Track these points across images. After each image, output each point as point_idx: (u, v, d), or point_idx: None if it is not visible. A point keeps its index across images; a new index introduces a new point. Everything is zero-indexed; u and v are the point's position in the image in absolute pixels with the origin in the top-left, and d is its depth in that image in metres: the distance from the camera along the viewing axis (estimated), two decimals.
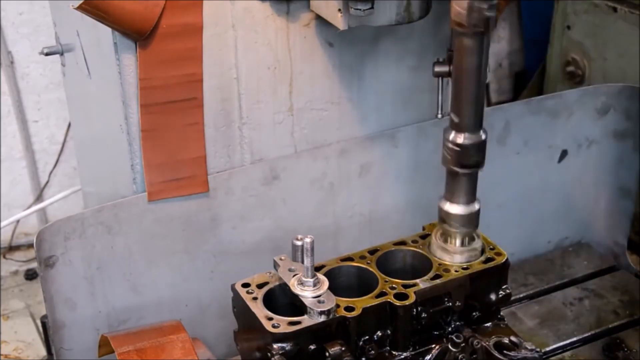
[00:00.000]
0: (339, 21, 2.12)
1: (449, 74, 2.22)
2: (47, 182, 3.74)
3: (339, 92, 2.43)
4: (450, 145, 2.07)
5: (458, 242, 2.16)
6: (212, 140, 2.32)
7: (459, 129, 2.06)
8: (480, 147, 2.08)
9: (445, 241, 2.17)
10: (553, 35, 3.60)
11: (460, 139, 2.06)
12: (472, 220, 2.16)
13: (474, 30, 1.92)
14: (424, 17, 2.18)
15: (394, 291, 2.05)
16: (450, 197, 2.15)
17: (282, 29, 2.28)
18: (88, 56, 2.42)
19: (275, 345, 1.91)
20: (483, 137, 2.08)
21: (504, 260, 2.17)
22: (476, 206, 2.16)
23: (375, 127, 2.53)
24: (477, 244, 2.17)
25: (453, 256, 2.15)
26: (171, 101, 2.21)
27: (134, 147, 2.26)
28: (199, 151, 2.30)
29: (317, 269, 2.07)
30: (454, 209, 2.14)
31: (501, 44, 4.21)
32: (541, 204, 2.90)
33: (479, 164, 2.10)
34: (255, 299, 2.02)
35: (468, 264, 2.15)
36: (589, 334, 2.62)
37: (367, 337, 2.03)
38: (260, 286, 2.05)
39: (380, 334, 2.05)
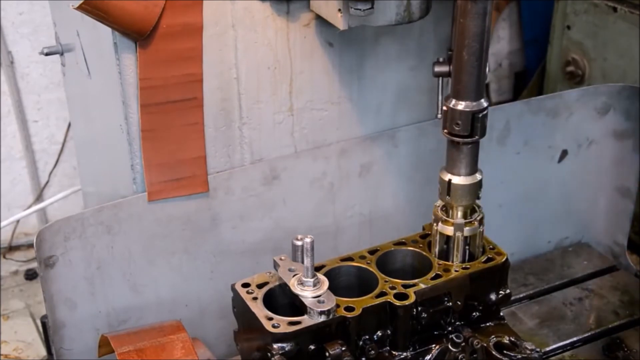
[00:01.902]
0: (339, 21, 2.12)
1: (449, 74, 2.22)
2: (47, 182, 3.74)
3: (339, 92, 2.43)
4: (451, 112, 2.02)
5: (460, 214, 2.14)
6: (212, 140, 2.32)
7: (460, 96, 2.01)
8: (483, 115, 2.03)
9: (447, 214, 2.15)
10: (553, 35, 3.60)
11: (462, 106, 2.02)
12: (474, 190, 2.13)
13: None
14: (424, 17, 2.18)
15: (394, 291, 2.05)
16: (451, 168, 2.11)
17: (282, 29, 2.28)
18: (88, 56, 2.42)
19: (275, 345, 1.91)
20: (485, 104, 2.03)
21: (504, 260, 2.17)
22: (478, 177, 2.13)
23: (375, 127, 2.53)
24: (478, 216, 2.16)
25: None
26: (171, 101, 2.21)
27: (134, 147, 2.26)
28: (199, 151, 2.30)
29: (317, 269, 2.07)
30: (456, 180, 2.11)
31: (501, 44, 4.21)
32: (541, 204, 2.90)
33: (483, 132, 2.06)
34: (255, 299, 2.02)
35: (468, 263, 2.15)
36: (589, 334, 2.62)
37: (367, 337, 2.03)
38: (260, 286, 2.05)
39: (380, 334, 2.05)
